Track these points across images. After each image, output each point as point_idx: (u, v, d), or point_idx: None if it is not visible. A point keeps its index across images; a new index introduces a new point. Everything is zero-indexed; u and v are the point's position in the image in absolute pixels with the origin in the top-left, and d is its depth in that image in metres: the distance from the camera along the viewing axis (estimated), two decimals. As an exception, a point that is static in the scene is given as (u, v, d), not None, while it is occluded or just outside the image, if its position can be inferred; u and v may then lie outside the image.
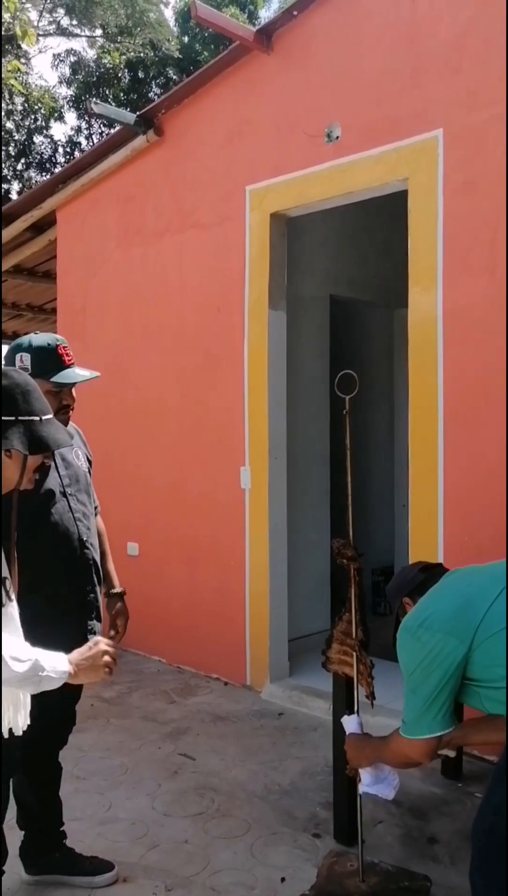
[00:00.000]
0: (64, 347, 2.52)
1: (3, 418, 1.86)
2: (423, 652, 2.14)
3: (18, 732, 2.05)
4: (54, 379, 2.46)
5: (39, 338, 2.52)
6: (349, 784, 2.84)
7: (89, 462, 2.82)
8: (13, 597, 1.94)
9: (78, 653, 1.98)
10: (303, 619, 5.20)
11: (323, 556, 5.34)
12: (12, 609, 1.93)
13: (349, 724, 2.65)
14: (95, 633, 2.59)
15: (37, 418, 1.91)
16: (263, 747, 3.92)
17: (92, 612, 2.61)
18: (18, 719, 2.03)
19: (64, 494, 2.55)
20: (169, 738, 4.06)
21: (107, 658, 1.98)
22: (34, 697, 2.07)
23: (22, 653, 1.84)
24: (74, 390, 2.57)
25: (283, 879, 2.77)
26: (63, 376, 2.48)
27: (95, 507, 2.87)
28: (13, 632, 1.89)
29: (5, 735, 2.04)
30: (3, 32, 9.23)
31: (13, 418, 1.87)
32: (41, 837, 2.76)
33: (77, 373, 2.53)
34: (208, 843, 3.01)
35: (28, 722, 2.09)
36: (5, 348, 2.59)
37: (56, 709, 2.60)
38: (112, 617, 2.80)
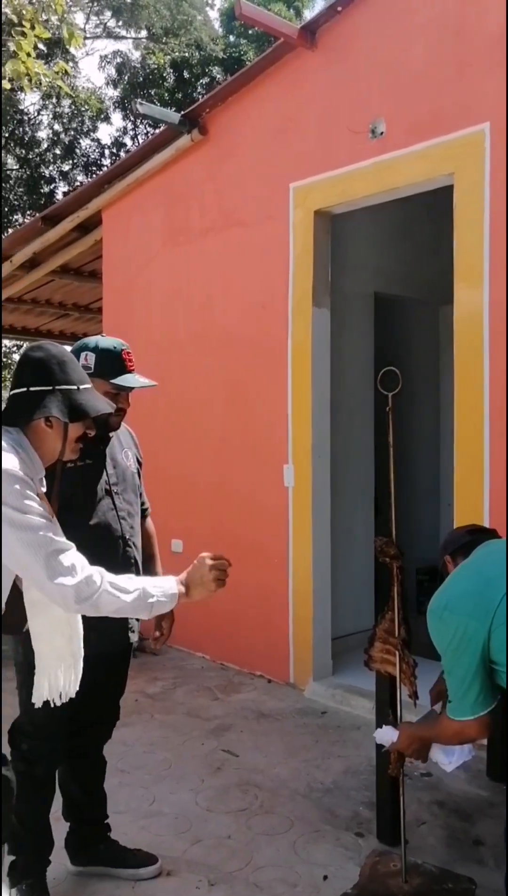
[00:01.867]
0: (128, 353, 2.58)
1: (40, 388, 1.90)
2: (449, 634, 2.15)
3: (66, 699, 2.09)
4: (114, 381, 2.51)
5: (106, 340, 2.58)
6: (392, 784, 2.82)
7: (139, 463, 2.85)
8: None
9: (185, 573, 2.01)
10: (347, 617, 5.18)
11: (367, 555, 5.31)
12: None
13: (385, 735, 2.62)
14: (133, 631, 2.62)
15: (74, 387, 1.94)
16: (306, 745, 3.92)
17: None
18: (67, 685, 2.07)
19: (109, 493, 2.58)
20: (212, 734, 4.08)
21: (215, 571, 1.99)
22: (81, 688, 2.11)
23: (127, 583, 1.88)
24: (129, 396, 2.62)
25: (325, 877, 2.76)
26: (123, 380, 2.53)
27: (146, 509, 2.89)
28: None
29: (56, 703, 2.07)
30: (51, 36, 9.35)
31: (50, 388, 1.91)
32: (86, 829, 2.80)
33: (136, 379, 2.58)
34: (251, 840, 3.02)
35: (76, 687, 2.13)
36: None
37: (100, 703, 2.64)
38: (157, 618, 2.80)
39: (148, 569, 2.82)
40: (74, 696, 2.15)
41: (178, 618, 2.90)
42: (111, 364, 2.50)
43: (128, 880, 2.73)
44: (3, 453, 1.81)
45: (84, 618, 2.02)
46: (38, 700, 2.12)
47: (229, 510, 5.26)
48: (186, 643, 5.45)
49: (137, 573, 2.66)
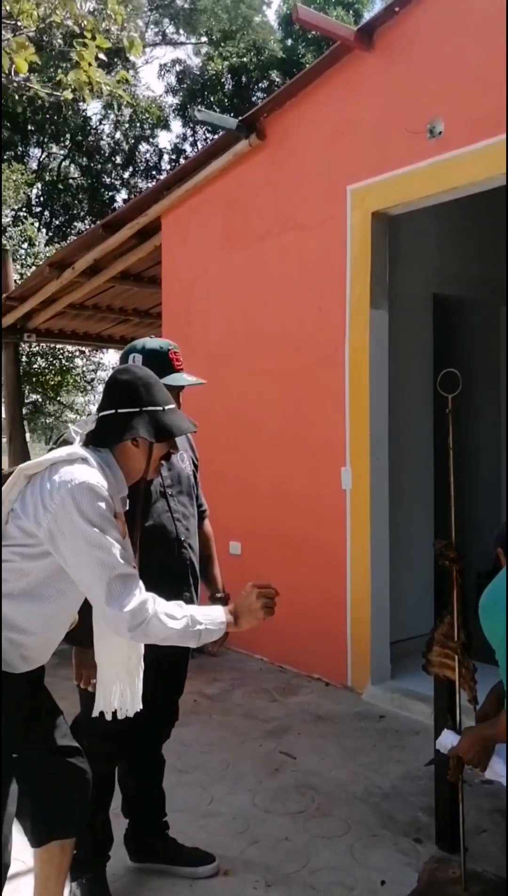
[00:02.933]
0: (175, 353, 2.60)
1: (128, 410, 1.97)
2: (501, 631, 2.12)
3: (122, 716, 2.14)
4: (163, 381, 2.53)
5: (153, 342, 2.61)
6: (451, 790, 2.79)
7: (195, 466, 2.87)
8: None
9: (233, 603, 2.04)
10: (406, 621, 5.13)
11: (427, 557, 5.24)
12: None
13: (445, 741, 2.59)
14: None
15: (160, 408, 2.01)
16: (363, 749, 3.90)
17: None
18: (124, 702, 2.12)
19: (164, 495, 2.61)
20: (270, 735, 4.09)
21: (263, 599, 2.01)
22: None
23: (176, 611, 1.91)
24: (180, 395, 2.64)
25: (383, 882, 2.75)
26: (172, 379, 2.55)
27: (203, 511, 2.92)
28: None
29: (108, 717, 2.13)
30: (111, 45, 9.52)
31: (137, 409, 1.98)
32: (144, 826, 2.84)
33: (185, 377, 2.60)
34: (308, 842, 3.02)
35: (140, 707, 2.18)
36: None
37: (159, 702, 2.66)
38: None
39: (205, 570, 2.84)
40: (131, 714, 2.20)
41: (235, 619, 2.92)
42: (159, 364, 2.51)
43: (186, 878, 2.76)
44: (91, 471, 1.88)
45: None
46: (95, 710, 2.18)
47: (287, 513, 5.27)
48: (244, 645, 5.47)
49: (193, 575, 2.68)
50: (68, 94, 9.51)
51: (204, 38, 25.57)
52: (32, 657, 1.97)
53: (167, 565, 2.58)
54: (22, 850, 2.22)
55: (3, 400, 9.68)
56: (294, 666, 5.17)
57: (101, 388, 13.17)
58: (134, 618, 1.83)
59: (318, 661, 5.00)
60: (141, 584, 1.90)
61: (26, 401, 16.88)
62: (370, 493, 4.69)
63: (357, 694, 4.68)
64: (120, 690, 2.14)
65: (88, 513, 1.82)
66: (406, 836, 3.06)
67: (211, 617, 1.95)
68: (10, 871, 2.41)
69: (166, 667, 2.56)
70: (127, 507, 2.06)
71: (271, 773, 3.64)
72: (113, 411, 2.00)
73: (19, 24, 9.50)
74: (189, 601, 2.64)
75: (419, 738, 3.96)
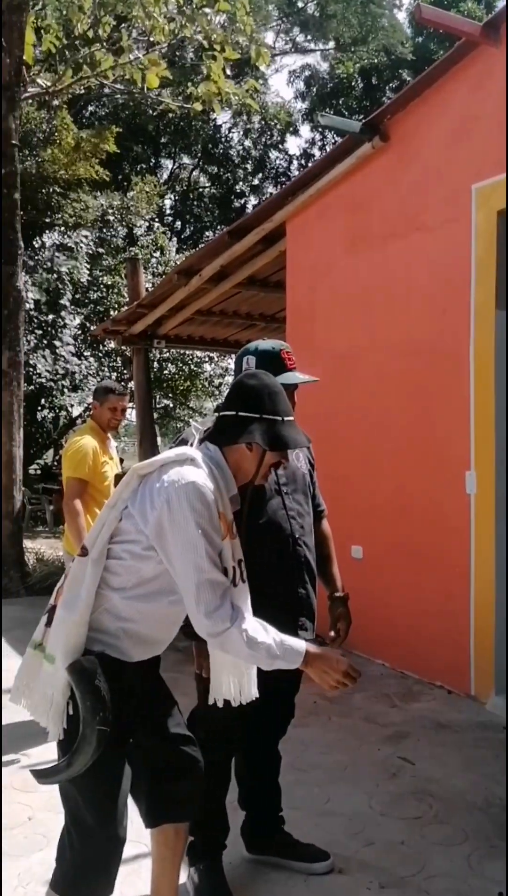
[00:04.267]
0: (287, 352, 2.64)
1: (249, 414, 2.03)
2: None
3: (236, 704, 2.22)
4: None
5: (265, 343, 2.67)
6: None
7: (312, 465, 2.91)
8: (246, 578, 2.08)
9: (324, 650, 2.02)
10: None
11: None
12: (245, 590, 2.06)
13: None
14: (306, 630, 2.64)
15: (279, 418, 2.06)
16: (484, 759, 3.82)
17: (303, 609, 2.66)
18: (237, 693, 2.20)
19: (279, 492, 2.65)
20: (389, 740, 4.07)
21: (339, 678, 1.97)
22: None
23: (260, 633, 1.92)
24: (295, 395, 2.68)
25: (501, 894, 2.69)
26: (284, 377, 2.58)
27: (321, 511, 2.94)
28: (247, 611, 2.01)
29: (221, 705, 2.20)
30: (240, 56, 9.72)
31: (258, 415, 2.03)
32: (261, 819, 2.89)
33: (297, 375, 2.63)
34: (425, 848, 2.99)
35: (256, 694, 2.24)
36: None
37: (275, 698, 2.71)
38: (334, 620, 2.83)
39: (324, 570, 2.86)
40: (245, 703, 2.26)
41: (357, 624, 2.92)
42: (272, 364, 2.54)
43: (300, 873, 2.79)
44: (198, 472, 1.95)
45: (257, 612, 2.10)
46: (210, 699, 2.26)
47: (409, 517, 5.21)
48: (365, 650, 5.45)
49: (309, 572, 2.70)
50: (198, 106, 9.80)
51: (332, 44, 25.59)
52: (145, 647, 2.05)
53: (281, 562, 2.61)
54: (145, 833, 2.31)
55: (134, 405, 10.05)
56: (416, 672, 5.11)
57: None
58: (214, 625, 1.88)
59: (440, 669, 4.92)
60: (230, 595, 1.93)
61: (157, 405, 17.44)
62: (494, 498, 4.58)
63: (480, 703, 4.57)
64: (230, 681, 2.21)
65: (190, 514, 1.88)
66: (527, 849, 2.98)
67: (288, 650, 1.94)
68: (133, 852, 2.54)
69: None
70: (238, 507, 2.11)
71: (388, 778, 3.62)
72: (234, 413, 2.06)
73: (151, 39, 9.86)
74: (305, 598, 2.68)
75: (545, 752, 3.83)
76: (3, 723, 4.25)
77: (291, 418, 2.10)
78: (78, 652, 1.92)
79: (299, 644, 1.97)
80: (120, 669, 1.96)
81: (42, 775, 1.92)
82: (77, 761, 1.85)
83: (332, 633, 2.78)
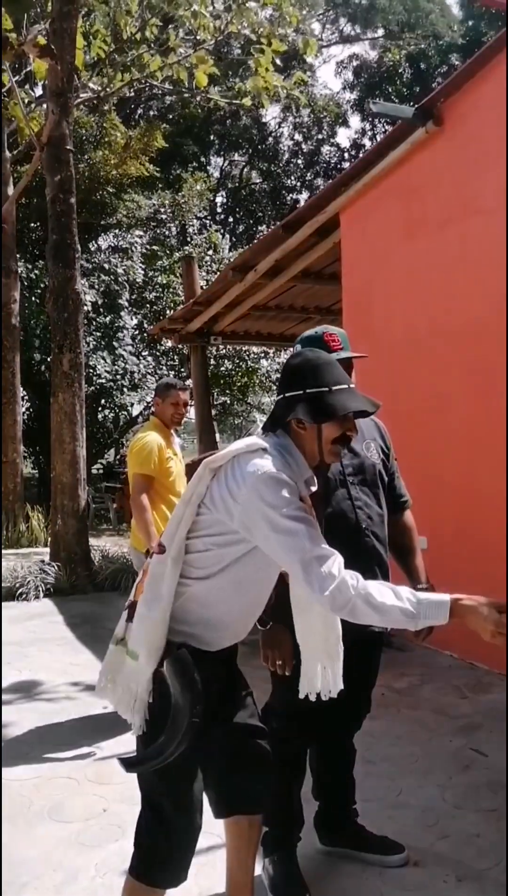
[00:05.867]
0: (330, 335, 2.59)
1: (293, 393, 2.02)
2: None
3: (325, 697, 2.25)
4: None
5: (310, 330, 2.65)
6: None
7: (386, 455, 2.87)
8: None
9: (473, 599, 1.91)
10: None
11: None
12: None
13: None
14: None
15: (326, 388, 2.00)
16: None
17: None
18: (326, 684, 2.22)
19: (344, 483, 2.63)
20: (460, 732, 4.01)
21: (493, 626, 1.88)
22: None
23: (387, 598, 1.86)
24: (353, 375, 2.60)
25: None
26: None
27: (405, 502, 2.93)
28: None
29: (313, 699, 2.20)
30: (287, 49, 9.71)
31: (301, 391, 2.00)
32: (334, 811, 2.89)
33: (341, 354, 2.58)
34: (501, 841, 2.94)
35: (341, 687, 2.24)
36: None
37: (351, 691, 2.69)
38: None
39: (406, 562, 2.82)
40: (335, 695, 2.26)
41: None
42: (315, 347, 2.52)
43: (375, 865, 2.77)
44: (265, 457, 1.94)
45: None
46: (301, 693, 2.27)
47: (474, 508, 5.13)
48: (432, 641, 5.33)
49: (380, 564, 2.66)
50: (247, 102, 9.82)
51: (380, 32, 25.33)
52: (227, 635, 2.07)
53: (349, 553, 2.58)
54: (218, 824, 2.32)
55: (193, 402, 10.12)
56: (485, 663, 5.03)
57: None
58: (335, 600, 1.84)
59: (511, 659, 4.83)
60: (341, 563, 1.89)
61: (215, 402, 17.52)
62: None
63: (553, 694, 4.48)
64: (321, 672, 2.21)
65: (274, 501, 1.87)
66: None
67: (432, 605, 1.86)
68: (207, 844, 2.56)
69: (358, 654, 2.55)
70: (315, 489, 2.10)
71: (461, 770, 3.57)
72: (282, 396, 2.06)
73: (198, 37, 9.91)
74: None
75: None
76: (78, 716, 4.35)
77: (343, 386, 2.01)
78: (161, 648, 1.95)
79: (442, 597, 1.88)
80: (201, 659, 1.97)
81: (130, 764, 1.96)
82: (167, 751, 1.87)
83: None
